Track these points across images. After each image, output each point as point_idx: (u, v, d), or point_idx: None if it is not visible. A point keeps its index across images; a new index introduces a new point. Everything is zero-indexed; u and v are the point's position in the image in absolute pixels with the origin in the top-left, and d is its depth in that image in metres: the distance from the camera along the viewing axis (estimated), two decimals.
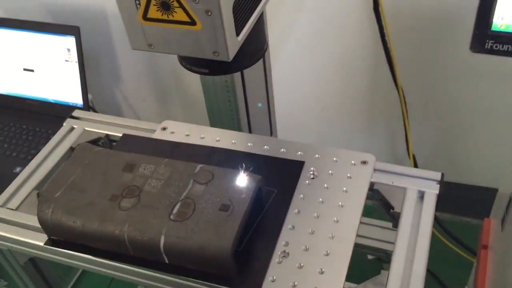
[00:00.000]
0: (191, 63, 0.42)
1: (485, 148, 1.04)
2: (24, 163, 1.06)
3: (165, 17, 0.37)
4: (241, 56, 0.41)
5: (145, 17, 0.37)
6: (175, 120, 0.70)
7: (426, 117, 1.05)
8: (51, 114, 1.15)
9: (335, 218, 0.56)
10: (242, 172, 0.57)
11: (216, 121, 0.81)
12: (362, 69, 1.04)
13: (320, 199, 0.58)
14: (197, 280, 0.53)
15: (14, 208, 0.63)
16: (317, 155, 0.63)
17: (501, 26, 0.46)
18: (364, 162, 0.62)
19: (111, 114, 1.30)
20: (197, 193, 0.56)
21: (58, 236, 0.57)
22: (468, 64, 0.93)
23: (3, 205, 0.63)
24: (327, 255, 0.53)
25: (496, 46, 0.46)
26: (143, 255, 0.55)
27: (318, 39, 1.01)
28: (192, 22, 0.36)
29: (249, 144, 0.66)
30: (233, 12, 0.36)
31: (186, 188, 0.56)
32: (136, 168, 0.59)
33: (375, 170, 0.62)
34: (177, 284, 0.54)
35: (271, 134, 0.92)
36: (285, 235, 0.55)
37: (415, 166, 1.09)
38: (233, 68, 0.42)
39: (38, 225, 0.57)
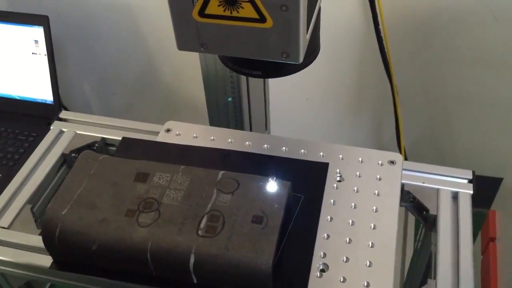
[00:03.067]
0: (242, 64, 0.37)
1: (484, 136, 1.03)
2: None
3: (228, 13, 0.31)
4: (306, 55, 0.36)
5: (202, 13, 0.31)
6: (150, 116, 0.64)
7: (416, 106, 1.04)
8: (17, 112, 1.05)
9: (372, 225, 0.52)
10: (269, 178, 0.52)
11: (215, 118, 0.75)
12: (350, 58, 1.01)
13: (352, 204, 0.54)
14: None
15: (6, 227, 0.55)
16: (340, 156, 0.60)
17: None
18: (392, 162, 0.59)
19: (79, 110, 1.21)
20: (224, 204, 0.50)
21: (67, 259, 0.50)
22: (461, 52, 0.92)
23: None
24: (369, 266, 0.49)
25: None
26: (168, 275, 0.49)
27: None
28: (262, 19, 0.31)
29: (265, 145, 0.61)
30: (308, 10, 0.31)
31: (211, 198, 0.51)
32: (149, 177, 0.53)
33: (407, 169, 0.59)
34: None
35: (266, 129, 0.88)
36: (321, 245, 0.51)
37: (405, 157, 1.08)
38: (291, 69, 0.37)
39: (37, 245, 0.50)
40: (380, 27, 0.92)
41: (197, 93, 0.99)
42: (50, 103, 1.03)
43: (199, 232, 0.48)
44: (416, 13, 0.91)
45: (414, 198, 0.57)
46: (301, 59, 0.32)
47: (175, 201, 0.51)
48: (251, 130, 0.76)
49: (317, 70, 1.04)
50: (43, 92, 1.03)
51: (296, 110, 1.15)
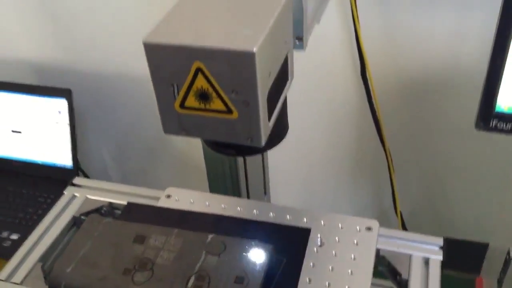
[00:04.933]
0: (217, 147, 0.44)
1: (473, 202, 1.07)
2: (11, 227, 1.05)
3: (202, 106, 0.38)
4: (270, 137, 0.43)
5: (182, 105, 0.39)
6: (163, 179, 0.71)
7: (412, 174, 1.09)
8: (38, 176, 1.14)
9: (346, 287, 0.57)
10: (253, 242, 0.58)
11: (215, 184, 0.82)
12: (347, 129, 1.08)
13: (330, 267, 0.59)
14: None
15: (18, 282, 0.61)
16: (322, 222, 0.65)
17: (505, 107, 0.50)
18: (369, 228, 0.64)
19: (97, 173, 1.29)
20: (211, 265, 0.56)
21: None
22: (453, 122, 0.98)
23: (7, 279, 0.62)
24: None
25: (500, 125, 0.50)
26: None
27: (306, 100, 1.05)
28: (229, 111, 0.38)
29: (254, 211, 0.67)
30: (268, 102, 0.39)
31: (199, 260, 0.57)
32: (147, 239, 0.59)
33: (382, 235, 0.64)
34: None
35: (265, 194, 0.94)
36: None
37: (402, 223, 1.12)
38: (260, 150, 0.44)
39: None
40: (373, 100, 0.99)
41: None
42: (70, 168, 1.13)
43: None
44: (407, 86, 0.98)
45: (389, 263, 0.61)
46: (262, 144, 0.39)
47: (167, 261, 0.57)
48: (248, 196, 0.82)
49: (316, 139, 1.12)
50: (63, 158, 1.12)
51: (296, 177, 1.21)
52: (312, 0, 0.56)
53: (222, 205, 0.69)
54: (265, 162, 0.89)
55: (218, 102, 0.38)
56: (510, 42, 0.47)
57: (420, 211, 1.15)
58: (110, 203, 0.72)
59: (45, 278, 0.64)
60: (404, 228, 1.12)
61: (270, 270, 0.58)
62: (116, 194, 0.73)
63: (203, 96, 0.38)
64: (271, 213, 0.67)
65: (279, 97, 0.42)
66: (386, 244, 0.63)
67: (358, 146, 1.10)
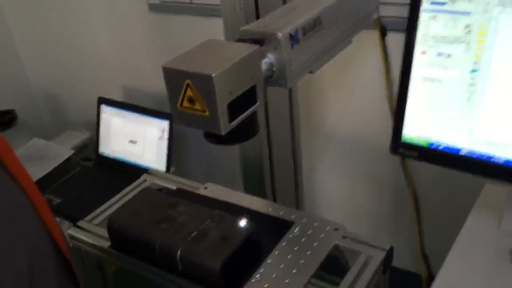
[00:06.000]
0: (208, 138, 0.71)
1: None
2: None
3: (191, 106, 0.66)
4: (237, 136, 0.69)
5: (181, 105, 0.67)
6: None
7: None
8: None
9: (302, 261, 0.78)
10: (244, 220, 0.82)
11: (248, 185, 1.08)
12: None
13: (295, 248, 0.81)
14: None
15: (96, 224, 0.93)
16: (305, 220, 0.87)
17: (408, 138, 0.69)
18: (336, 229, 0.84)
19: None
20: (210, 228, 0.81)
21: (119, 243, 0.85)
22: None
23: (90, 221, 0.94)
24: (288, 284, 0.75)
25: (406, 152, 0.69)
26: (164, 262, 0.80)
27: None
28: (204, 111, 0.65)
29: (259, 205, 0.92)
30: (228, 109, 0.65)
31: (204, 223, 0.82)
32: (176, 207, 0.87)
33: (344, 236, 0.83)
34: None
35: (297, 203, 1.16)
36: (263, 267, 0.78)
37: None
38: (228, 142, 0.70)
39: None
40: None
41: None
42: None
43: (188, 238, 0.79)
44: None
45: (343, 254, 0.81)
46: (222, 133, 0.65)
47: (184, 221, 0.83)
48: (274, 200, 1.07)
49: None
50: (161, 165, 1.46)
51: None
52: (308, 56, 0.81)
53: (239, 198, 0.94)
54: (298, 172, 1.12)
55: (198, 105, 0.65)
56: (408, 88, 0.67)
57: None
58: (167, 188, 1.02)
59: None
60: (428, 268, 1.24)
61: (248, 240, 0.81)
62: (174, 183, 1.03)
63: (191, 101, 0.65)
64: (270, 208, 0.91)
65: (244, 110, 0.68)
66: (345, 242, 0.82)
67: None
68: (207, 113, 0.65)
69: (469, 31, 0.63)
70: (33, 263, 0.53)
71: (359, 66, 1.18)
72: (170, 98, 0.68)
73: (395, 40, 1.07)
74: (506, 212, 0.77)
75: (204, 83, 0.63)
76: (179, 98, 0.67)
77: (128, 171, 1.52)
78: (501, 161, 0.65)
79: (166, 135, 1.45)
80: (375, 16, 1.06)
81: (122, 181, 1.47)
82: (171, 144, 1.45)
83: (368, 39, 1.11)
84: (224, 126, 0.66)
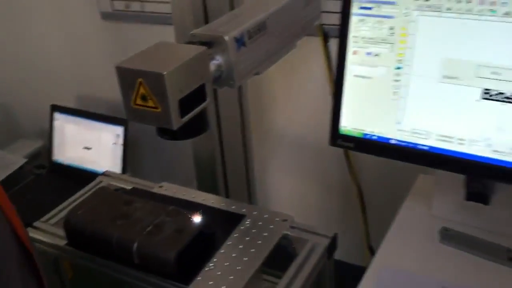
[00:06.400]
0: (161, 134, 0.76)
1: None
2: None
3: (144, 104, 0.70)
4: (188, 131, 0.74)
5: (135, 103, 0.71)
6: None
7: None
8: None
9: (253, 250, 0.83)
10: (198, 215, 0.87)
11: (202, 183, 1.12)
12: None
13: (247, 238, 0.86)
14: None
15: (52, 224, 0.95)
16: (256, 212, 0.92)
17: (345, 130, 0.76)
18: (284, 220, 0.90)
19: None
20: (165, 221, 0.85)
21: (75, 240, 0.88)
22: None
23: (46, 221, 0.96)
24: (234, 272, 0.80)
25: (344, 143, 0.76)
26: (121, 256, 0.83)
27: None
28: (156, 108, 0.70)
29: (212, 202, 0.96)
30: (179, 105, 0.70)
31: (159, 218, 0.86)
32: (132, 204, 0.90)
33: (292, 226, 0.89)
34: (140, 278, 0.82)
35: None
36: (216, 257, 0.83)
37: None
38: (180, 137, 0.75)
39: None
40: None
41: None
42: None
43: (144, 232, 0.83)
44: None
45: (292, 242, 0.87)
46: (174, 128, 0.69)
47: (141, 216, 0.87)
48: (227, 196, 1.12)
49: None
50: (116, 169, 1.48)
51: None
52: (254, 58, 0.87)
53: (193, 195, 0.99)
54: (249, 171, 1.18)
55: (151, 102, 0.69)
56: (343, 85, 0.74)
57: None
58: (123, 188, 1.05)
59: None
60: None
61: (202, 232, 0.85)
62: (129, 183, 1.06)
63: (144, 98, 0.69)
64: (223, 204, 0.96)
65: (194, 107, 0.73)
66: (293, 231, 0.88)
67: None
68: (159, 110, 0.70)
69: (392, 33, 0.71)
70: None
71: (305, 70, 1.25)
72: (124, 97, 0.72)
73: (337, 46, 1.15)
74: (435, 198, 0.85)
75: (156, 81, 0.68)
76: (132, 96, 0.71)
77: (83, 178, 1.53)
78: (426, 148, 0.73)
79: (120, 141, 1.48)
80: (317, 23, 1.13)
81: (77, 187, 1.48)
82: (126, 150, 1.48)
83: (312, 45, 1.18)
84: (176, 121, 0.70)
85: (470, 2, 0.65)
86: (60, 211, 0.99)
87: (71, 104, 1.63)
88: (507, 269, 0.75)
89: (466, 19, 0.66)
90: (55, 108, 1.59)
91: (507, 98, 0.66)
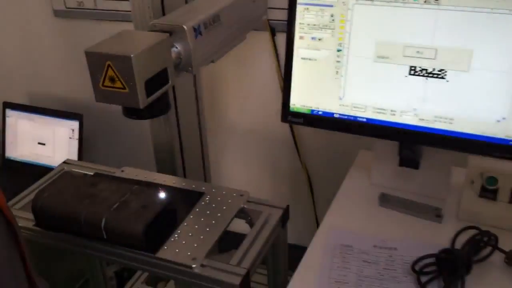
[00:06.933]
0: (128, 114, 0.83)
1: None
2: None
3: (112, 85, 0.77)
4: (153, 110, 0.81)
5: (103, 84, 0.77)
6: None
7: None
8: None
9: (214, 221, 0.91)
10: (160, 191, 0.94)
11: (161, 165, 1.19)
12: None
13: (207, 212, 0.94)
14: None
15: (18, 208, 0.99)
16: (214, 190, 1.00)
17: (294, 108, 0.86)
18: (241, 195, 0.98)
19: None
20: (130, 199, 0.91)
21: (44, 220, 0.92)
22: None
23: (11, 206, 0.99)
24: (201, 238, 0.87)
25: (294, 119, 0.86)
26: (89, 233, 0.89)
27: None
28: (124, 88, 0.76)
29: (174, 182, 1.03)
30: (145, 86, 0.77)
31: (125, 196, 0.92)
32: (97, 185, 0.96)
33: (248, 201, 0.98)
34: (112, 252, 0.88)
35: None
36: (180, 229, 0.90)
37: None
38: (146, 116, 0.82)
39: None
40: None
41: None
42: None
43: (111, 208, 0.89)
44: None
45: (249, 214, 0.95)
46: (141, 107, 0.76)
47: (106, 196, 0.92)
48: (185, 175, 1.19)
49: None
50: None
51: None
52: (209, 47, 0.95)
53: (154, 177, 1.05)
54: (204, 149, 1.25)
55: (119, 83, 0.76)
56: (292, 67, 0.84)
57: None
58: (85, 174, 1.10)
59: None
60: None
61: (166, 207, 0.92)
62: (91, 169, 1.11)
63: (112, 80, 0.76)
64: (183, 183, 1.03)
65: (158, 88, 0.80)
66: (249, 205, 0.96)
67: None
68: (127, 90, 0.77)
69: (333, 20, 0.81)
70: None
71: (255, 62, 1.34)
72: (93, 79, 0.78)
73: (283, 39, 1.25)
74: (373, 168, 0.96)
75: (124, 63, 0.75)
76: (100, 78, 0.77)
77: (38, 173, 1.54)
78: (364, 120, 0.84)
79: (76, 135, 1.51)
80: (265, 18, 1.23)
81: (32, 183, 1.51)
82: (82, 144, 1.51)
83: (261, 39, 1.28)
84: (142, 101, 0.77)
85: None
86: (24, 196, 1.03)
87: (23, 102, 1.65)
88: (435, 224, 0.87)
89: (394, 7, 0.77)
90: (7, 105, 1.60)
91: (429, 73, 0.78)
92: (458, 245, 0.79)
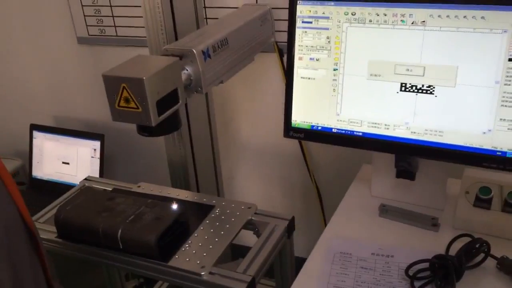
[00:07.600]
0: (141, 132, 0.90)
1: None
2: None
3: (126, 105, 0.84)
4: (164, 128, 0.88)
5: (118, 105, 0.85)
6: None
7: None
8: None
9: (222, 232, 0.97)
10: (172, 205, 1.00)
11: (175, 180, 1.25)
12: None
13: (217, 224, 0.99)
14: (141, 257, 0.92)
15: (42, 222, 1.06)
16: (223, 203, 1.06)
17: (295, 124, 0.92)
18: (249, 208, 1.04)
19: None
20: (145, 212, 0.98)
21: (65, 232, 0.99)
22: None
23: (36, 220, 1.07)
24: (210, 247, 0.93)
25: (295, 135, 0.92)
26: (107, 244, 0.95)
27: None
28: (137, 108, 0.83)
29: (186, 196, 1.10)
30: (156, 105, 0.84)
31: (139, 209, 0.99)
32: (114, 199, 1.03)
33: (256, 213, 1.03)
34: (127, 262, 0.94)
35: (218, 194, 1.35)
36: (191, 239, 0.96)
37: None
38: (157, 133, 0.89)
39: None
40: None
41: None
42: None
43: (127, 221, 0.95)
44: None
45: (257, 225, 1.00)
46: (152, 125, 0.83)
47: (123, 209, 0.99)
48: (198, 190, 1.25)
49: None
50: None
51: None
52: (218, 69, 1.02)
53: (168, 192, 1.12)
54: (217, 165, 1.31)
55: (133, 104, 0.83)
56: (292, 86, 0.91)
57: None
58: (105, 189, 1.17)
59: None
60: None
61: (178, 219, 0.98)
62: (110, 185, 1.18)
63: (127, 100, 0.83)
64: (195, 197, 1.09)
65: (169, 107, 0.87)
66: (256, 217, 1.02)
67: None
68: (140, 110, 0.84)
69: (329, 41, 0.87)
70: (8, 230, 0.66)
71: (265, 81, 1.41)
72: (109, 100, 0.86)
73: None
74: (373, 181, 1.01)
75: (137, 85, 0.82)
76: (116, 99, 0.85)
77: (63, 191, 1.63)
78: (360, 134, 0.89)
79: (98, 154, 1.60)
80: (273, 40, 1.30)
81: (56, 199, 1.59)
82: (103, 162, 1.59)
83: (270, 60, 1.35)
84: (154, 119, 0.85)
85: (386, 15, 0.82)
86: (48, 211, 1.11)
87: (49, 123, 1.74)
88: (432, 233, 0.91)
89: (385, 29, 0.83)
90: (34, 127, 1.69)
91: (419, 89, 0.83)
92: (453, 252, 0.83)
